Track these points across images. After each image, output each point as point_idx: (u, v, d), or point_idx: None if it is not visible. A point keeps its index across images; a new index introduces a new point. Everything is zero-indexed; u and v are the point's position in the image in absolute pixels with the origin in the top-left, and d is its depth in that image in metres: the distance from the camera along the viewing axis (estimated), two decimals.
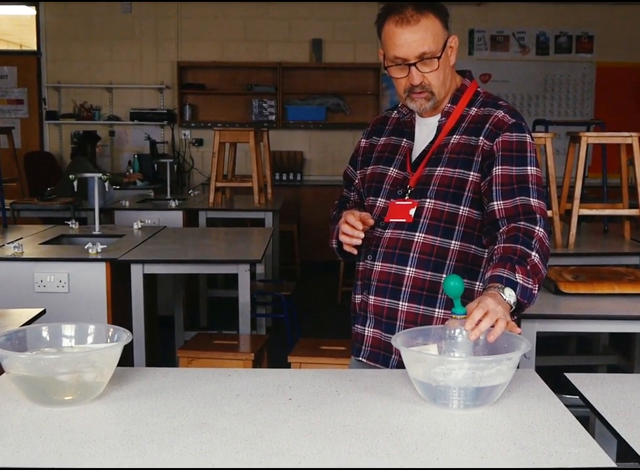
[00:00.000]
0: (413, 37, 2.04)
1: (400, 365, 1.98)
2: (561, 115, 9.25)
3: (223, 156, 6.59)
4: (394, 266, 2.13)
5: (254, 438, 1.51)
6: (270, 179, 7.15)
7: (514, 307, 1.84)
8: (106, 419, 1.64)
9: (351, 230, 2.07)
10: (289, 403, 1.70)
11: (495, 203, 2.03)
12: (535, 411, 1.66)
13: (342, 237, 2.10)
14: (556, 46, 9.26)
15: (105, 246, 4.15)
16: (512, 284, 1.85)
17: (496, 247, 1.96)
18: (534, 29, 9.21)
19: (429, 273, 2.10)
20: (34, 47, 9.16)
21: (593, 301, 3.11)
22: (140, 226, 5.00)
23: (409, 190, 2.15)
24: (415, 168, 2.17)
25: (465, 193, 2.09)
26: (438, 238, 2.10)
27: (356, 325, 2.24)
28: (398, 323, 2.12)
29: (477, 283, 2.13)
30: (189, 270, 4.69)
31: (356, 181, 2.35)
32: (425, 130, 2.21)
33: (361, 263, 2.22)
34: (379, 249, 2.15)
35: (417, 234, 2.11)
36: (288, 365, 3.53)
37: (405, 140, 2.23)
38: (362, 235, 2.08)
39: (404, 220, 2.13)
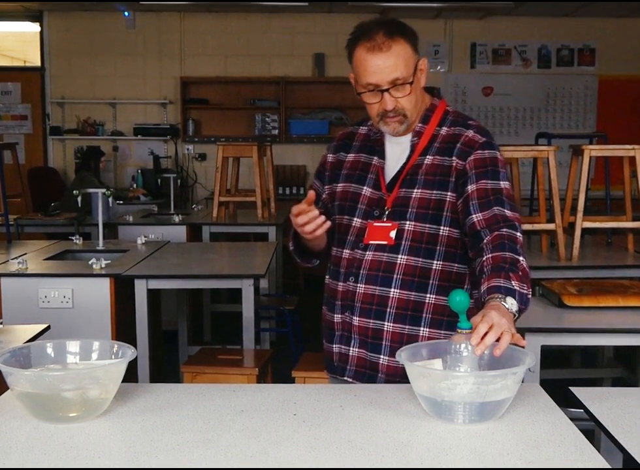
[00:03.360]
0: (385, 63, 2.05)
1: (387, 382, 2.08)
2: (564, 128, 9.26)
3: (227, 170, 6.60)
4: (377, 287, 2.13)
5: (259, 454, 1.51)
6: (273, 194, 7.17)
7: (517, 316, 1.84)
8: (111, 435, 1.64)
9: (306, 215, 2.06)
10: (294, 419, 1.70)
11: (474, 215, 2.05)
12: (540, 426, 1.66)
13: (304, 228, 2.08)
14: (558, 59, 9.28)
15: (109, 261, 4.15)
16: (511, 293, 1.86)
17: (484, 257, 1.98)
18: (536, 42, 9.23)
19: (413, 293, 2.12)
20: (38, 64, 9.20)
21: (598, 315, 3.10)
22: (143, 241, 5.01)
23: (387, 212, 2.15)
24: (390, 188, 2.17)
25: (444, 213, 2.11)
26: (420, 259, 2.12)
27: (338, 344, 2.22)
28: (384, 343, 2.13)
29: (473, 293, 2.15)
30: (192, 285, 4.69)
31: (324, 196, 2.32)
32: (397, 150, 2.21)
33: (340, 283, 2.20)
34: (362, 271, 2.15)
35: (400, 255, 2.12)
36: (292, 380, 3.52)
37: (376, 158, 2.23)
38: (317, 212, 2.06)
39: (385, 242, 2.13)
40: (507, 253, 1.95)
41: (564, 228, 4.42)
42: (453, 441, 1.58)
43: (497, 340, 1.70)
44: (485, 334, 1.70)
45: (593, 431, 1.91)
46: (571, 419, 1.70)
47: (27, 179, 7.86)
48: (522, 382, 1.72)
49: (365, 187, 2.21)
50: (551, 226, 4.40)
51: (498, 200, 2.06)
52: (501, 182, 2.09)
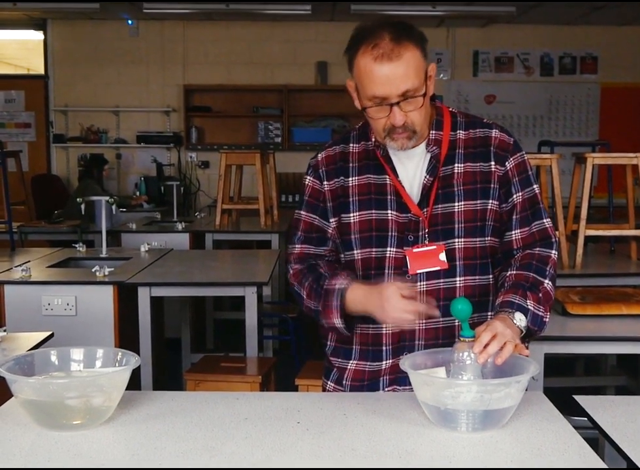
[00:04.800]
0: (395, 74, 1.81)
1: None
2: (566, 136, 9.26)
3: (229, 178, 6.61)
4: (441, 319, 1.93)
5: (262, 462, 1.51)
6: (276, 201, 7.17)
7: (524, 332, 1.83)
8: (115, 443, 1.64)
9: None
10: (297, 427, 1.70)
11: (513, 232, 1.98)
12: (544, 434, 1.65)
13: (404, 317, 1.82)
14: (561, 67, 9.29)
15: (112, 269, 4.16)
16: (523, 310, 1.84)
17: (508, 274, 1.94)
18: (538, 50, 9.24)
19: (475, 315, 1.89)
20: (42, 71, 9.22)
21: (601, 323, 3.10)
22: (146, 249, 5.01)
23: (426, 234, 1.95)
24: (421, 207, 1.95)
25: (488, 223, 1.97)
26: (477, 277, 1.97)
27: (388, 389, 2.00)
28: None
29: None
30: (195, 293, 4.69)
31: (330, 230, 2.05)
32: (409, 164, 1.99)
33: (388, 326, 1.96)
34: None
35: (457, 278, 1.95)
36: (295, 388, 3.52)
37: (387, 177, 1.99)
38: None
39: (438, 267, 1.93)
40: (532, 274, 1.91)
41: (567, 236, 4.42)
42: (457, 449, 1.57)
43: (501, 349, 1.70)
44: (488, 343, 1.70)
45: (597, 439, 1.90)
46: (575, 427, 1.70)
47: (30, 187, 7.87)
48: (526, 390, 1.72)
49: (390, 211, 1.97)
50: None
51: (536, 213, 2.00)
52: (534, 186, 2.01)
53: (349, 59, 1.91)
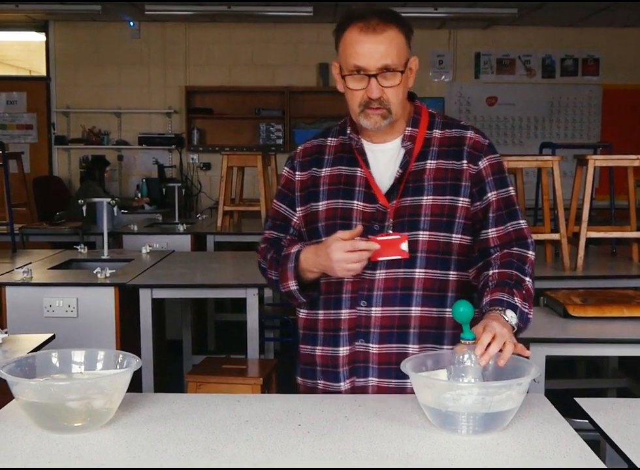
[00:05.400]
0: (377, 47, 1.91)
1: None
2: (568, 138, 9.26)
3: (231, 180, 6.61)
4: (397, 308, 1.98)
5: (263, 464, 1.51)
6: None
7: (515, 329, 1.84)
8: (116, 445, 1.64)
9: (358, 254, 1.88)
10: (299, 429, 1.70)
11: (489, 230, 2.01)
12: (545, 436, 1.65)
13: (355, 266, 1.89)
14: (562, 69, 9.29)
15: (114, 270, 4.16)
16: (513, 307, 1.86)
17: (490, 272, 1.95)
18: (540, 52, 9.24)
19: (434, 309, 1.99)
20: (44, 73, 9.23)
21: (602, 325, 3.10)
22: (148, 251, 5.02)
23: (390, 224, 1.99)
24: (389, 199, 2.00)
25: (457, 220, 2.00)
26: (438, 271, 2.00)
27: (349, 379, 2.03)
28: None
29: (476, 310, 2.09)
30: (197, 294, 4.69)
31: (295, 220, 2.13)
32: (382, 158, 2.06)
33: (345, 311, 2.02)
34: (375, 293, 1.99)
35: (417, 269, 1.98)
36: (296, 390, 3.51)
37: (359, 169, 2.05)
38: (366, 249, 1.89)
39: (399, 256, 1.97)
40: (514, 271, 1.93)
41: (569, 238, 4.42)
42: (458, 452, 1.57)
43: (500, 350, 1.70)
44: (489, 344, 1.70)
45: (599, 442, 1.90)
46: (576, 430, 1.70)
47: (32, 189, 7.88)
48: (527, 392, 1.72)
49: (355, 201, 2.03)
50: (555, 236, 4.40)
51: (512, 213, 2.02)
52: (510, 188, 2.05)
53: (336, 38, 2.01)
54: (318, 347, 2.09)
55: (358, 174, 2.05)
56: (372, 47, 1.92)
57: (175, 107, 9.22)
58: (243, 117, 9.21)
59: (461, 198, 2.00)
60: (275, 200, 2.19)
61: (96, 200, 5.24)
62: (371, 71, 1.93)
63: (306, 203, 2.10)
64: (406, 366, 1.74)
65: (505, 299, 1.86)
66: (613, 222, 5.07)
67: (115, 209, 4.98)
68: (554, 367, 3.69)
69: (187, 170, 9.28)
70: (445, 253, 2.01)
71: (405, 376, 1.82)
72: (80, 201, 4.80)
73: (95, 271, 4.08)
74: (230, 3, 7.81)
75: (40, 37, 9.20)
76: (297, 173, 2.14)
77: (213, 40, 9.11)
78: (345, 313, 2.03)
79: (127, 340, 4.04)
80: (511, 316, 1.83)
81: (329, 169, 2.10)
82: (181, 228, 6.33)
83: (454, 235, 2.01)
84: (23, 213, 6.93)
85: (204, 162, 9.27)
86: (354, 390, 2.03)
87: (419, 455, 1.56)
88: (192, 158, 9.24)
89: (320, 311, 2.08)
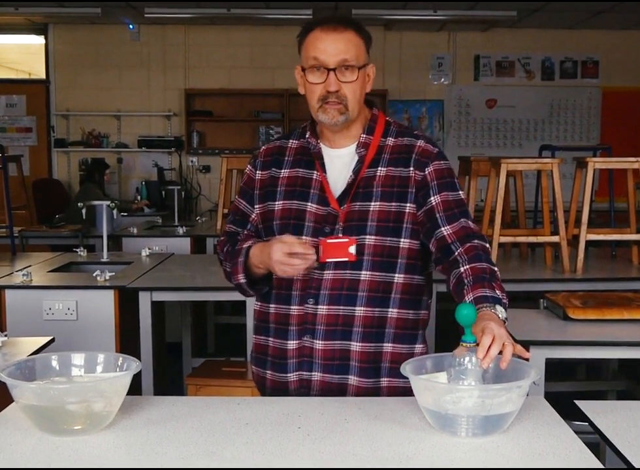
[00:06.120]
0: (337, 44, 2.03)
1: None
2: (568, 140, 9.26)
3: (231, 182, 6.61)
4: (342, 307, 2.06)
5: (263, 467, 1.51)
6: None
7: (506, 323, 1.85)
8: (116, 448, 1.64)
9: (302, 258, 1.96)
10: (298, 432, 1.70)
11: (443, 228, 2.04)
12: (545, 439, 1.65)
13: (289, 268, 1.97)
14: (562, 71, 9.30)
15: (113, 273, 4.16)
16: (498, 301, 1.87)
17: (462, 269, 1.97)
18: (539, 55, 9.25)
19: (377, 309, 2.07)
20: (43, 76, 9.23)
21: (602, 327, 3.09)
22: (147, 253, 5.01)
23: (340, 227, 2.07)
24: (341, 203, 2.08)
25: (404, 225, 2.07)
26: (383, 274, 2.07)
27: (296, 372, 2.10)
28: (352, 363, 2.07)
29: (422, 312, 2.16)
30: (197, 297, 4.68)
31: (253, 216, 2.22)
32: (338, 163, 2.14)
33: (295, 307, 2.09)
34: (322, 292, 2.06)
35: (363, 272, 2.06)
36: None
37: (315, 172, 2.14)
38: (313, 252, 1.98)
39: (346, 259, 2.05)
40: (485, 264, 1.97)
41: (568, 240, 4.42)
42: (458, 454, 1.57)
43: (500, 352, 1.70)
44: (489, 347, 1.70)
45: (599, 444, 1.90)
46: (576, 432, 1.70)
47: (31, 191, 7.87)
48: (527, 395, 1.72)
49: (309, 203, 2.11)
50: (555, 239, 4.40)
51: (463, 212, 2.08)
52: (460, 192, 2.11)
53: (299, 43, 2.11)
54: (270, 339, 2.16)
55: (314, 177, 2.14)
56: (332, 44, 2.03)
57: (174, 109, 9.22)
58: (243, 119, 9.21)
59: (408, 205, 2.08)
60: (237, 196, 2.31)
61: (95, 202, 5.23)
62: (330, 65, 2.03)
63: (264, 201, 2.19)
64: (406, 369, 1.74)
65: (489, 294, 1.88)
66: (613, 225, 5.07)
67: (114, 211, 4.98)
68: (554, 369, 3.69)
69: (187, 173, 9.28)
70: (390, 256, 2.07)
71: (346, 372, 2.05)
72: (79, 204, 4.80)
73: (94, 274, 4.08)
74: (229, 5, 7.81)
75: (40, 40, 9.20)
76: (258, 172, 2.23)
77: (213, 43, 9.12)
78: (294, 309, 2.11)
79: (127, 343, 4.04)
80: (500, 311, 1.84)
81: (287, 171, 2.18)
82: (180, 230, 6.33)
83: (402, 239, 2.08)
84: (23, 215, 6.93)
85: (203, 165, 9.27)
86: (300, 382, 2.10)
87: (419, 457, 1.56)
88: (192, 161, 9.24)
89: (272, 305, 2.16)
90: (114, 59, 9.10)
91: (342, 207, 2.08)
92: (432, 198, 2.06)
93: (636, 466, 1.53)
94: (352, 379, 2.08)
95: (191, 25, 9.02)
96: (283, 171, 2.18)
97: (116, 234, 6.15)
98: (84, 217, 4.93)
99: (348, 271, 2.06)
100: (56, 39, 9.12)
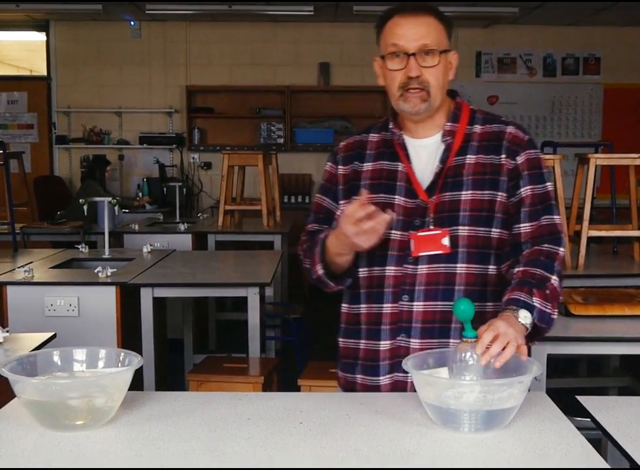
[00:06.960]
0: (417, 28, 1.97)
1: None
2: (569, 137, 9.26)
3: (232, 179, 6.61)
4: (439, 303, 1.97)
5: (265, 462, 1.51)
6: (279, 202, 7.17)
7: (529, 329, 1.81)
8: (117, 443, 1.64)
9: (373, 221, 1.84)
10: (300, 427, 1.70)
11: (522, 225, 1.98)
12: (547, 435, 1.65)
13: (366, 236, 1.86)
14: (563, 68, 9.29)
15: (115, 270, 4.16)
16: (529, 307, 1.82)
17: (515, 270, 1.93)
18: (541, 51, 9.24)
19: (475, 303, 1.86)
20: (45, 73, 9.23)
21: (604, 323, 3.09)
22: (149, 250, 5.02)
23: (431, 219, 1.99)
24: (430, 194, 2.01)
25: (496, 214, 1.99)
26: (478, 266, 1.99)
27: (389, 375, 2.02)
28: None
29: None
30: (198, 293, 4.69)
31: (338, 212, 2.10)
32: (422, 153, 2.07)
33: (388, 305, 2.01)
34: (417, 287, 1.98)
35: (459, 264, 1.98)
36: (298, 389, 3.52)
37: (400, 164, 2.06)
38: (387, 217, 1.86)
39: (440, 251, 1.97)
40: (539, 270, 1.90)
41: (570, 236, 4.42)
42: (459, 450, 1.57)
43: (502, 350, 1.70)
44: (491, 343, 1.70)
45: (600, 440, 1.90)
46: (578, 428, 1.70)
47: (33, 188, 7.88)
48: (529, 391, 1.72)
49: (397, 196, 2.03)
50: None
51: (546, 208, 2.00)
52: (547, 184, 2.03)
53: (377, 34, 2.04)
54: (361, 341, 2.07)
55: (400, 169, 2.06)
56: (411, 28, 1.97)
57: (176, 106, 9.21)
58: (244, 116, 9.21)
59: (499, 193, 2.00)
60: (317, 194, 2.21)
61: (97, 199, 5.25)
62: (410, 50, 1.96)
63: (349, 196, 2.08)
64: (407, 364, 1.73)
65: (522, 298, 1.83)
66: (614, 221, 5.06)
67: (116, 208, 4.98)
68: (556, 365, 3.69)
69: (188, 170, 9.28)
70: (484, 247, 2.00)
71: None
72: (80, 200, 4.81)
73: (96, 271, 4.08)
74: (231, 2, 7.81)
75: (41, 37, 9.20)
76: (340, 167, 2.15)
77: (214, 40, 9.11)
78: (387, 307, 2.02)
79: (128, 339, 4.04)
80: (524, 316, 1.80)
81: (371, 164, 2.11)
82: (182, 227, 6.33)
83: (493, 229, 2.00)
84: (24, 212, 6.94)
85: (204, 162, 9.27)
86: (394, 384, 2.01)
87: (420, 453, 1.56)
88: (193, 158, 9.24)
89: (362, 305, 2.07)
90: (115, 56, 9.10)
91: (431, 198, 2.01)
92: (521, 189, 1.99)
93: (638, 461, 1.53)
94: None
95: (192, 22, 9.02)
96: (365, 164, 2.11)
97: (117, 231, 6.15)
98: (85, 214, 4.94)
99: (442, 265, 1.98)
100: (57, 36, 9.11)
